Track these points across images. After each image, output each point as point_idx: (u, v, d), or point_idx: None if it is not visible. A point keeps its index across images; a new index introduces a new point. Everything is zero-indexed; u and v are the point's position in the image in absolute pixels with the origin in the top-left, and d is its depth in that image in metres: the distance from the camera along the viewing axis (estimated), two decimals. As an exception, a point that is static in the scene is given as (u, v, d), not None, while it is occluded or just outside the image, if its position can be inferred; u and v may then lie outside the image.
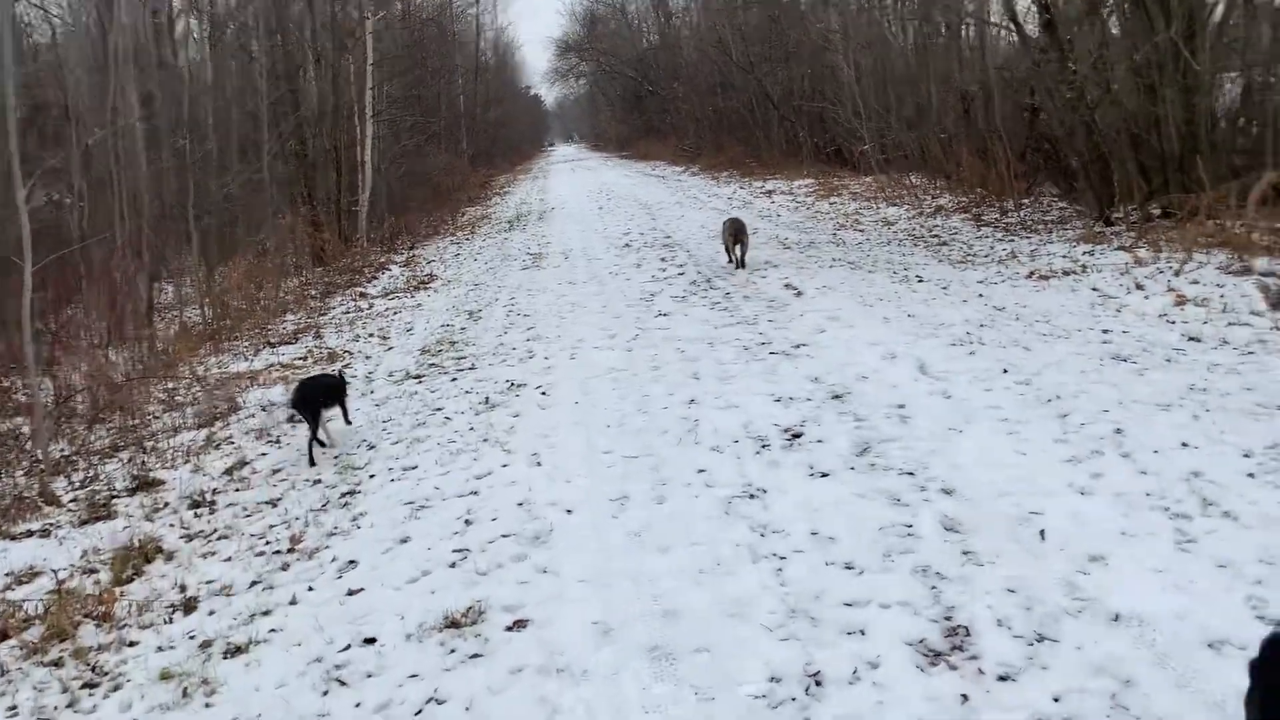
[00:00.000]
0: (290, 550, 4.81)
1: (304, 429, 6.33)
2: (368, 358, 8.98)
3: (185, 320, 11.63)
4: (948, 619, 3.49)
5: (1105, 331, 6.99)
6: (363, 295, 12.67)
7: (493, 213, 23.76)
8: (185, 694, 3.62)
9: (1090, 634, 3.30)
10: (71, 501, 5.86)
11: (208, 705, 3.55)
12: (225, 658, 3.85)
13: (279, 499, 5.56)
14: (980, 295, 8.61)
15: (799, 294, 9.45)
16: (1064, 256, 9.66)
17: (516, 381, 7.42)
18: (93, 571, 4.79)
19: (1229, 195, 9.19)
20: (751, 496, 4.75)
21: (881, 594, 3.70)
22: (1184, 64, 9.70)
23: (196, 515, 5.45)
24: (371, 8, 18.20)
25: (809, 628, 3.54)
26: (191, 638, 4.04)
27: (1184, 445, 4.74)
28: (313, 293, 13.08)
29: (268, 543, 4.95)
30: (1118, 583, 3.58)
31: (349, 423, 6.65)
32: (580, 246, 15.30)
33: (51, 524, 5.49)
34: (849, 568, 3.94)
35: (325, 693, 3.53)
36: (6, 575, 4.83)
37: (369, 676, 3.59)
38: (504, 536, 4.63)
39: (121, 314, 10.36)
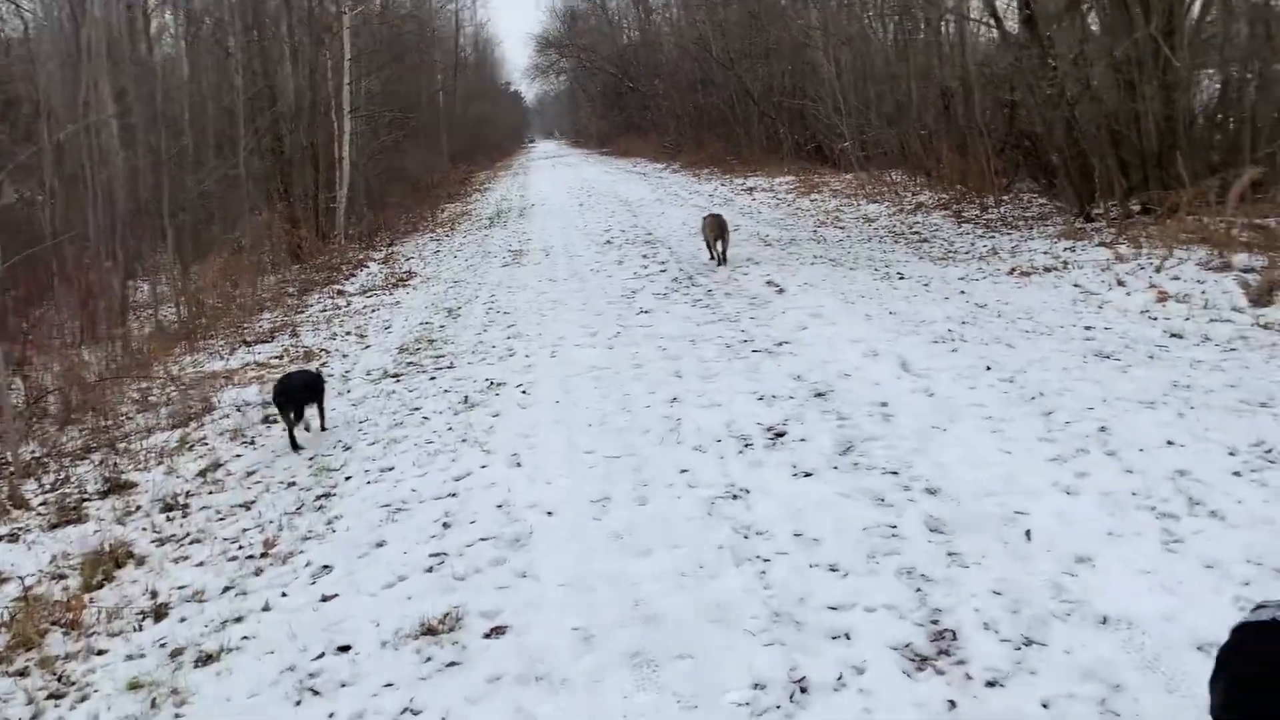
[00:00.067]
0: (264, 555, 4.71)
1: (279, 429, 6.21)
2: (345, 356, 8.87)
3: (160, 319, 11.46)
4: (934, 622, 3.43)
5: (1088, 328, 6.97)
6: (340, 293, 12.53)
7: (473, 209, 23.64)
8: (154, 704, 3.52)
9: (1078, 637, 3.25)
10: (41, 505, 5.73)
11: (177, 716, 3.46)
12: (196, 666, 3.75)
13: (253, 502, 5.45)
14: (962, 292, 8.58)
15: (781, 291, 9.40)
16: (1045, 253, 9.64)
17: (496, 380, 7.33)
18: (61, 577, 4.68)
19: (1208, 191, 9.22)
20: (734, 497, 4.68)
21: (866, 597, 3.64)
22: (1163, 60, 9.71)
23: (169, 519, 5.33)
24: (349, 2, 18.02)
25: (793, 632, 3.47)
26: (162, 645, 3.94)
27: (1169, 443, 4.70)
28: (290, 290, 12.93)
29: (241, 547, 4.84)
30: (1105, 584, 3.53)
31: (324, 428, 6.53)
32: (561, 243, 15.21)
33: (20, 528, 5.38)
34: (833, 570, 3.88)
35: (298, 703, 3.44)
36: (-29, 582, 4.71)
37: (343, 686, 3.50)
38: (483, 540, 4.54)
39: (94, 313, 10.19)
